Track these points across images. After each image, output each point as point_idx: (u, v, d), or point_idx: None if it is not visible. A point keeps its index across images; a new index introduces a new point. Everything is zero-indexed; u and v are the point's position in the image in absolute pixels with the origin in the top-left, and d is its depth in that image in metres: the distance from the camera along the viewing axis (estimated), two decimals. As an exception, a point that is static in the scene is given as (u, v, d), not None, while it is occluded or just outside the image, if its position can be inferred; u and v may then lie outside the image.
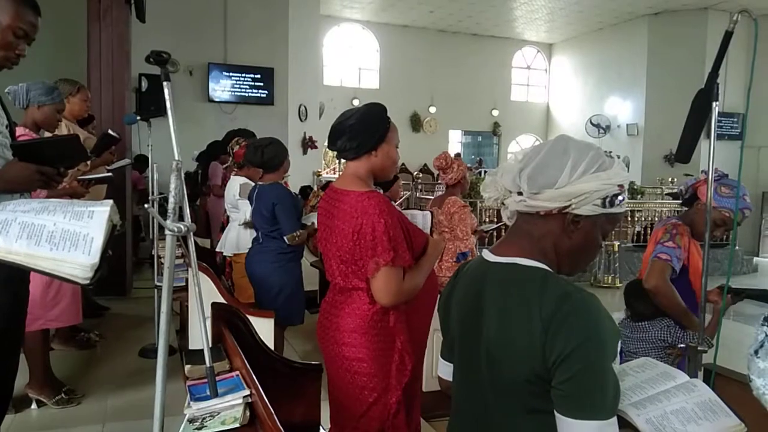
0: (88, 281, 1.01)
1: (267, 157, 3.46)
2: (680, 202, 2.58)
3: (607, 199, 1.12)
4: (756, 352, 1.15)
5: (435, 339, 2.55)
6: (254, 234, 3.87)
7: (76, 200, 1.15)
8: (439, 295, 2.13)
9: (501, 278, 1.17)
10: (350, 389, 1.92)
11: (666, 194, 10.43)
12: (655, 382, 1.21)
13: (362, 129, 1.94)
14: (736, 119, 13.11)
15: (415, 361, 2.00)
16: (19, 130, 2.79)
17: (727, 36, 1.96)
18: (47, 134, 3.44)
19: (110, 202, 1.10)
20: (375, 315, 1.88)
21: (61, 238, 1.00)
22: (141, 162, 6.83)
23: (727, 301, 2.28)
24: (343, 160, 2.05)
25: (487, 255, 1.23)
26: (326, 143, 2.23)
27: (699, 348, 2.15)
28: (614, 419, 1.04)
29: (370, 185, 1.99)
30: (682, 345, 2.37)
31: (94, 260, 1.00)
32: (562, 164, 1.12)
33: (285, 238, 3.29)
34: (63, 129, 3.81)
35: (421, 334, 2.07)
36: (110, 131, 4.12)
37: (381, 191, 5.35)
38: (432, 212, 2.20)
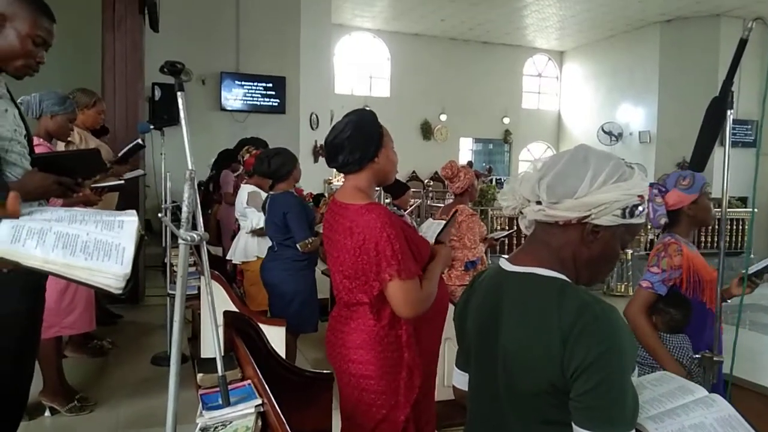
0: (121, 291, 1.02)
1: (274, 167, 3.50)
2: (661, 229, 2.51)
3: (627, 210, 1.11)
4: None
5: (447, 348, 2.53)
6: (261, 242, 3.89)
7: (103, 210, 1.17)
8: (450, 305, 2.11)
9: (518, 288, 1.16)
10: (359, 405, 1.88)
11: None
12: (673, 396, 1.19)
13: (360, 139, 1.88)
14: (750, 126, 12.97)
15: (428, 374, 1.94)
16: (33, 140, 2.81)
17: (742, 44, 1.95)
18: (60, 143, 3.48)
19: (134, 212, 1.12)
20: (381, 330, 1.84)
21: (95, 248, 1.01)
22: None
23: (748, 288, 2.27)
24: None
25: (505, 264, 1.22)
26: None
27: (715, 359, 2.11)
28: (633, 432, 1.03)
29: (372, 196, 1.93)
30: (697, 356, 2.30)
31: (126, 270, 1.01)
32: (582, 174, 1.11)
33: (298, 245, 3.31)
34: (75, 137, 3.84)
35: (431, 345, 2.03)
36: (141, 141, 4.22)
37: (390, 200, 5.32)
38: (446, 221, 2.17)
